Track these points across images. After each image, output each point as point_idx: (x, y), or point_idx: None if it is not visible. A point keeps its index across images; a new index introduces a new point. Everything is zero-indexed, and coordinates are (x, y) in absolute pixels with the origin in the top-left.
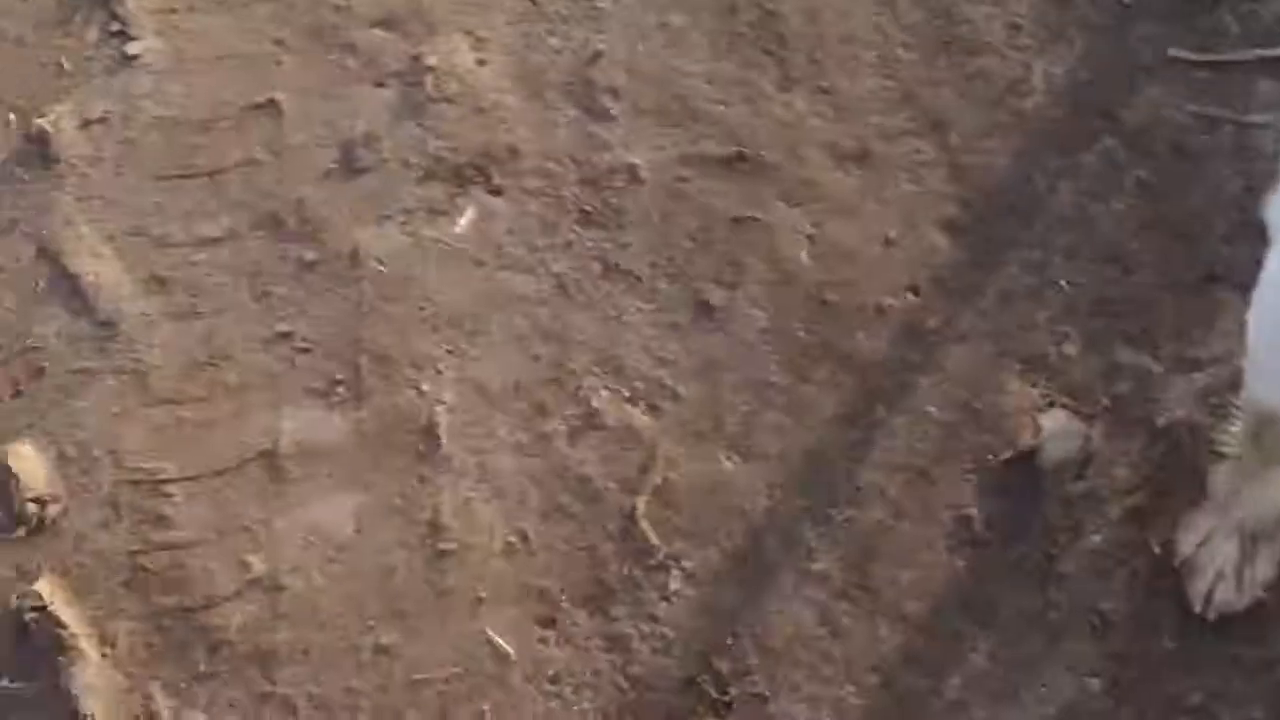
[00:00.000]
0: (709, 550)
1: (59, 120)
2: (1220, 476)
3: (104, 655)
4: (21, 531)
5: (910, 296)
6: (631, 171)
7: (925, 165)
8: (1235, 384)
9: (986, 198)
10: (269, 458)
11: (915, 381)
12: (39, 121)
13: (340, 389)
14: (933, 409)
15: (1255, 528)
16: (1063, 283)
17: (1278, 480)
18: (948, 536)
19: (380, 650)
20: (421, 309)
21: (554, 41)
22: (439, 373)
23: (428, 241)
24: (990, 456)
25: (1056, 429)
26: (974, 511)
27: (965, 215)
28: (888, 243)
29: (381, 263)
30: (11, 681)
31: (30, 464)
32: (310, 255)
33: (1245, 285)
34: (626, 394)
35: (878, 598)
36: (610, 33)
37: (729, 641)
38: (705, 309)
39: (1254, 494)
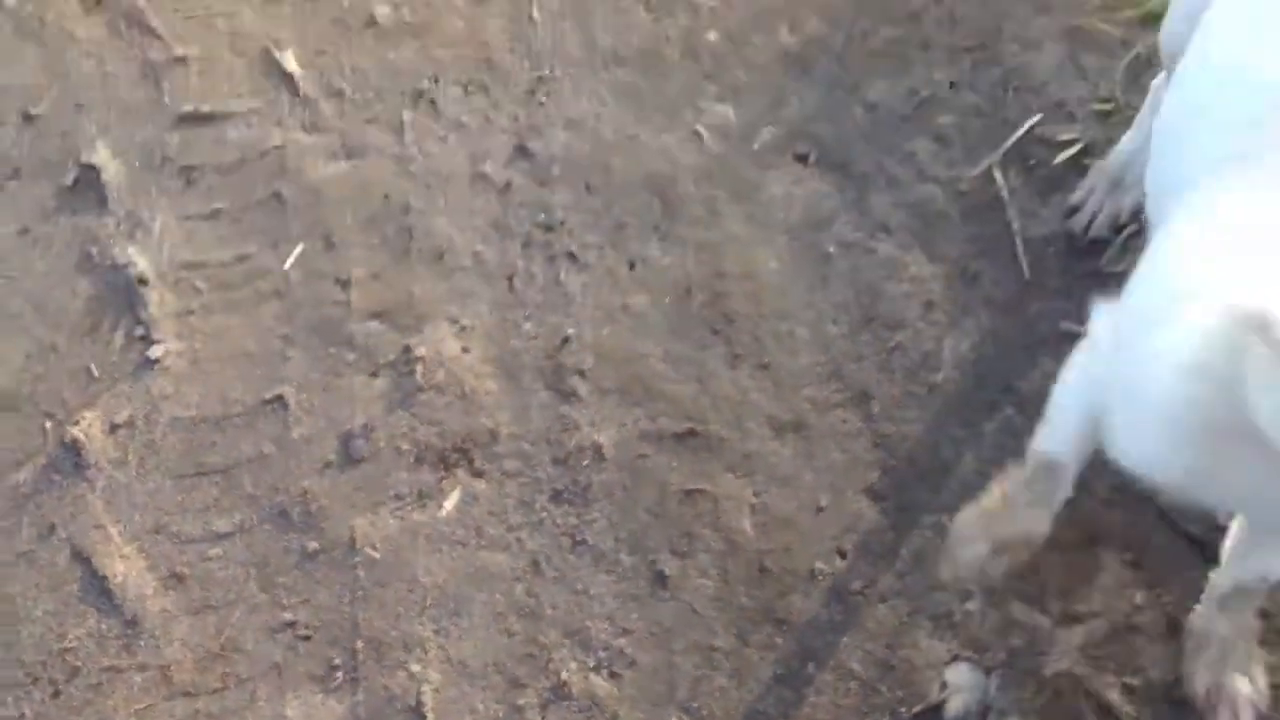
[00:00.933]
0: None
1: (89, 426)
2: None
3: None
4: None
5: (839, 560)
6: (597, 450)
7: (851, 435)
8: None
9: (903, 465)
10: None
11: (841, 641)
12: (71, 429)
13: (338, 674)
14: (856, 666)
15: None
16: None
17: None
18: None
19: None
20: (411, 592)
21: (529, 327)
22: (426, 653)
23: (417, 525)
24: (903, 710)
25: (960, 682)
26: None
27: (886, 482)
28: (819, 510)
29: (375, 548)
30: None
31: None
32: (312, 545)
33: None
34: (591, 664)
35: None
36: (579, 316)
37: None
38: (661, 579)
39: None
